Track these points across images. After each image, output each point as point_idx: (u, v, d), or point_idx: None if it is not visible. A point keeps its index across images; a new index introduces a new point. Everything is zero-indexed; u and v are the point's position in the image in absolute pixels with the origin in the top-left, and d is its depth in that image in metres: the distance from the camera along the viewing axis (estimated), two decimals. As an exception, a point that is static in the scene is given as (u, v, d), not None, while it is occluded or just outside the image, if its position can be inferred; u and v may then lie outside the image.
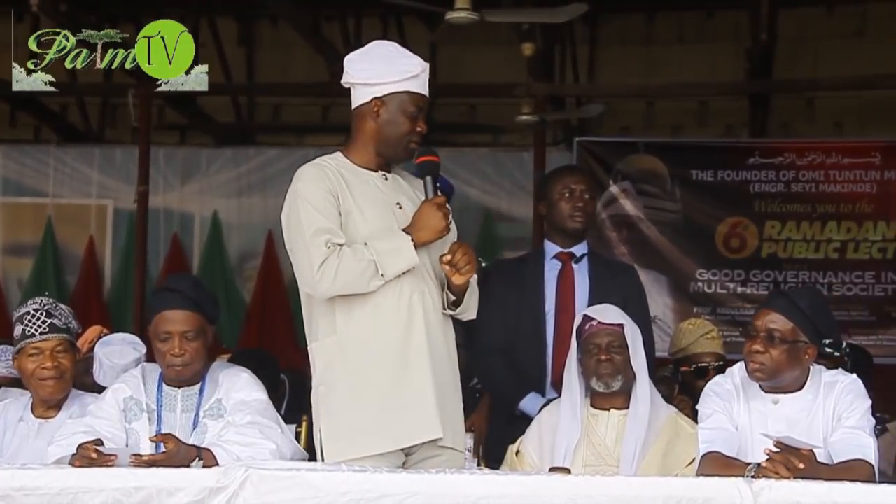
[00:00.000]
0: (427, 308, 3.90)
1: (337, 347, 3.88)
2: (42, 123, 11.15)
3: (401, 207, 3.96)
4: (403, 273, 3.85)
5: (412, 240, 3.84)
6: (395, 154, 4.00)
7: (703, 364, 5.40)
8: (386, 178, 4.00)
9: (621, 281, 5.04)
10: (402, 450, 3.86)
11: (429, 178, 3.95)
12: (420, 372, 3.84)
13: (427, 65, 4.00)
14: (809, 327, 3.90)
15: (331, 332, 3.90)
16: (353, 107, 4.02)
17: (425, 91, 3.98)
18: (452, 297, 3.96)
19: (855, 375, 3.97)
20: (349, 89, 4.03)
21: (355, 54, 4.03)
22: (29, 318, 4.42)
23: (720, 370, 5.24)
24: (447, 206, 3.92)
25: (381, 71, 3.94)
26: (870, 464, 3.72)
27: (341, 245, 3.83)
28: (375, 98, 3.94)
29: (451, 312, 3.98)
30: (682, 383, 5.49)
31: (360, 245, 3.83)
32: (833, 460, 3.73)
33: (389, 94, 3.93)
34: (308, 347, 3.99)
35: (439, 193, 3.94)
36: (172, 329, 4.13)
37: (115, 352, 4.74)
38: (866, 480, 3.55)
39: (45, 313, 4.42)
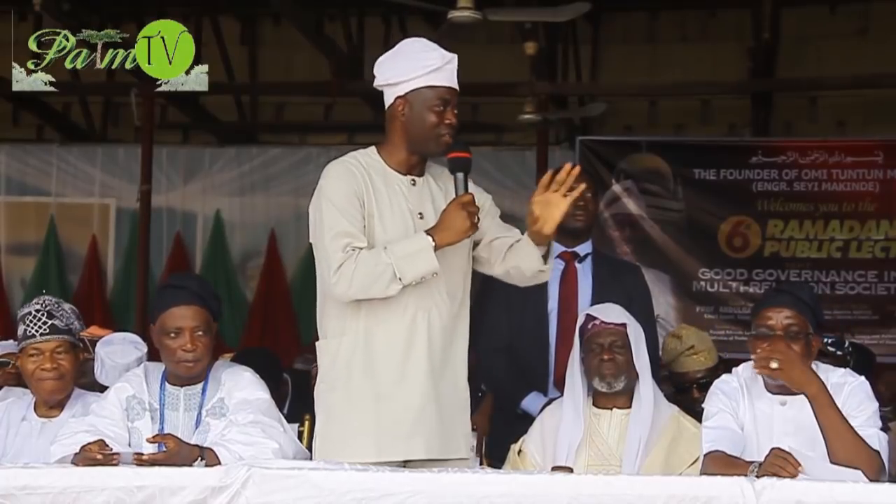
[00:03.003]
0: (432, 325, 3.88)
1: (341, 349, 3.90)
2: (45, 123, 11.16)
3: (422, 217, 3.93)
4: (421, 280, 3.82)
5: (433, 242, 3.80)
6: (427, 149, 3.96)
7: (684, 383, 5.32)
8: (414, 184, 3.97)
9: (625, 281, 5.04)
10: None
11: (459, 176, 3.90)
12: (415, 389, 3.84)
13: (453, 56, 3.96)
14: (813, 318, 3.93)
15: (339, 333, 3.91)
16: (385, 109, 4.01)
17: (451, 83, 3.94)
18: (541, 251, 3.94)
19: (863, 378, 3.95)
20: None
21: (383, 56, 4.02)
22: (30, 318, 4.42)
23: (703, 386, 5.20)
24: (475, 205, 3.87)
25: (403, 69, 3.92)
26: (876, 451, 3.70)
27: (361, 248, 3.81)
28: (398, 97, 3.93)
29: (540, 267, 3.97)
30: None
31: (379, 248, 3.82)
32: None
33: (411, 91, 3.91)
34: (317, 343, 4.01)
35: (468, 191, 3.88)
36: (183, 325, 4.12)
37: (117, 351, 4.74)
38: (871, 465, 3.59)
39: (46, 314, 4.41)
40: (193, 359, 4.13)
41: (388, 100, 3.97)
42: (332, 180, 3.90)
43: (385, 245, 3.83)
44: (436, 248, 3.80)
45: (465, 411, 4.01)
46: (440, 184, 4.02)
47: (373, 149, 4.01)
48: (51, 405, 4.46)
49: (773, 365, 3.81)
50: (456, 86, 3.96)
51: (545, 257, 3.96)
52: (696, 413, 4.65)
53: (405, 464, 3.85)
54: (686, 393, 5.26)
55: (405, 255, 3.80)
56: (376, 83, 4.00)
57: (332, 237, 3.83)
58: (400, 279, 3.78)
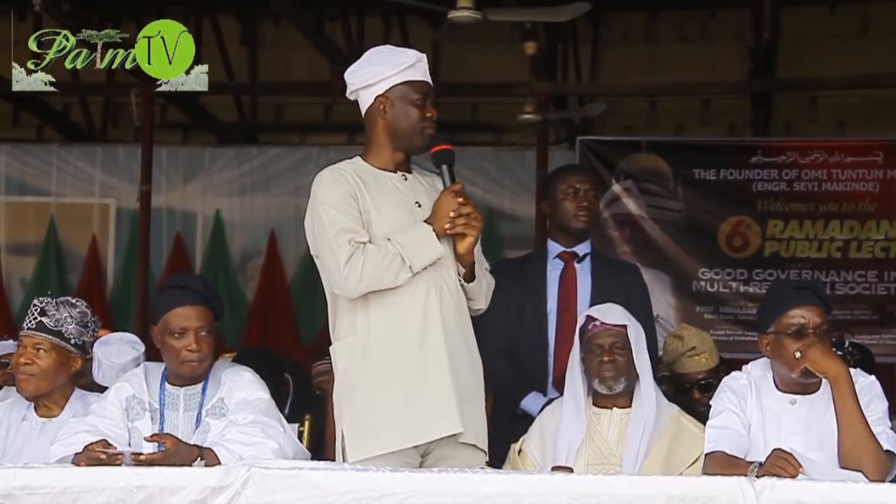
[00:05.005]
0: (445, 303, 3.94)
1: (356, 346, 3.94)
2: (45, 123, 11.15)
3: (420, 206, 4.00)
4: (427, 266, 3.90)
5: (434, 230, 3.90)
6: (413, 144, 4.04)
7: (685, 385, 5.32)
8: (405, 179, 4.05)
9: (624, 280, 5.04)
10: (418, 448, 3.89)
11: (445, 167, 4.00)
12: (437, 368, 3.88)
13: (423, 55, 4.08)
14: (829, 315, 3.94)
15: (351, 332, 3.95)
16: (363, 114, 4.09)
17: (426, 78, 4.05)
18: (462, 269, 4.01)
19: (874, 377, 3.94)
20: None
21: (352, 66, 4.12)
22: (30, 310, 4.45)
23: (704, 387, 5.21)
24: (465, 194, 3.97)
25: (378, 70, 4.02)
26: (887, 450, 3.68)
27: (365, 242, 3.89)
28: (378, 96, 4.02)
29: (470, 284, 4.03)
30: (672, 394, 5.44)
31: (383, 241, 3.89)
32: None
33: (391, 88, 4.01)
34: (331, 348, 4.04)
35: (456, 180, 3.99)
36: (188, 325, 4.13)
37: (114, 351, 4.73)
38: (878, 462, 3.59)
39: (40, 310, 4.42)
40: (198, 359, 4.14)
41: (368, 101, 4.06)
42: (324, 186, 3.99)
43: (388, 237, 3.90)
44: (437, 234, 3.90)
45: (479, 396, 4.04)
46: (427, 181, 4.11)
47: (357, 158, 4.09)
48: (27, 398, 4.45)
49: (797, 354, 3.79)
50: (429, 80, 4.07)
51: (466, 279, 4.05)
52: (697, 414, 4.65)
53: (423, 458, 3.90)
54: (687, 393, 5.26)
55: (411, 242, 3.89)
56: (350, 90, 4.10)
57: (335, 234, 3.89)
58: (410, 267, 3.87)
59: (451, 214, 3.91)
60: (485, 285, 4.10)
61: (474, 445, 3.95)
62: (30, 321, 4.42)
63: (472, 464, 3.83)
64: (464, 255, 3.99)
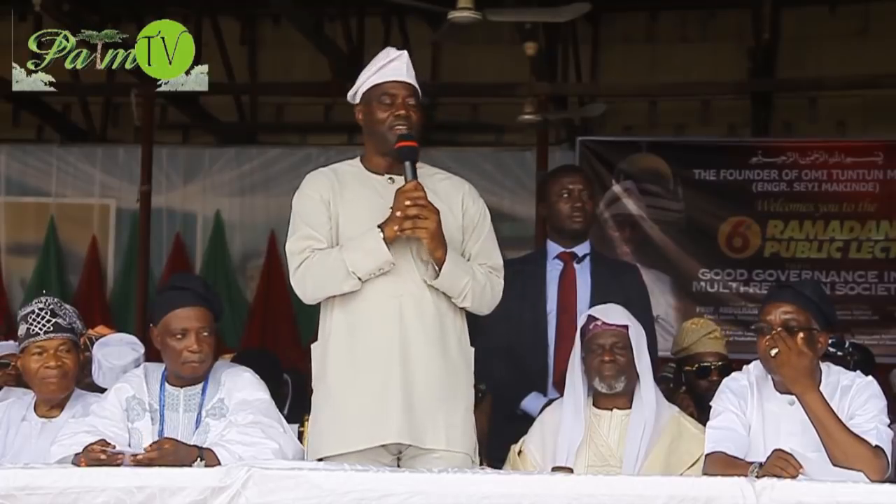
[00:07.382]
0: (404, 314, 3.90)
1: (321, 349, 4.01)
2: (45, 123, 11.15)
3: None
4: (384, 272, 3.87)
5: (383, 233, 3.85)
6: (387, 144, 4.00)
7: (705, 364, 5.38)
8: (392, 181, 4.00)
9: (623, 281, 5.04)
10: (388, 448, 3.91)
11: (407, 164, 3.93)
12: (383, 375, 3.88)
13: (400, 52, 4.06)
14: (819, 314, 3.91)
15: (320, 335, 4.02)
16: None
17: (396, 77, 4.02)
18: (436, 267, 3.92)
19: (871, 378, 3.95)
20: (351, 88, 4.14)
21: None
22: (34, 317, 4.43)
23: (722, 370, 5.24)
24: (418, 192, 3.86)
25: (359, 79, 4.08)
26: (876, 447, 3.69)
27: (322, 249, 3.92)
28: (356, 104, 4.08)
29: (434, 283, 3.91)
30: (686, 383, 5.49)
31: (334, 247, 3.92)
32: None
33: (364, 93, 4.05)
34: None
35: (410, 179, 3.91)
36: (189, 326, 4.13)
37: (114, 352, 4.74)
38: (869, 463, 3.60)
39: (49, 312, 4.43)
40: (199, 360, 4.14)
41: (355, 109, 4.10)
42: (300, 191, 4.10)
43: (344, 243, 3.92)
44: (386, 239, 3.84)
45: (454, 402, 3.99)
46: (431, 182, 4.03)
47: (357, 158, 4.12)
48: (52, 404, 4.47)
49: (773, 352, 3.80)
50: (403, 78, 4.03)
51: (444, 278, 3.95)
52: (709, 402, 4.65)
53: (399, 455, 3.92)
54: (706, 377, 5.31)
55: (357, 249, 3.88)
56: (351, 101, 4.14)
57: (292, 242, 3.99)
58: (353, 273, 3.86)
59: (398, 215, 3.85)
60: (467, 284, 3.95)
61: (435, 447, 3.91)
62: (43, 325, 4.42)
63: (449, 466, 3.81)
64: (433, 254, 3.89)
